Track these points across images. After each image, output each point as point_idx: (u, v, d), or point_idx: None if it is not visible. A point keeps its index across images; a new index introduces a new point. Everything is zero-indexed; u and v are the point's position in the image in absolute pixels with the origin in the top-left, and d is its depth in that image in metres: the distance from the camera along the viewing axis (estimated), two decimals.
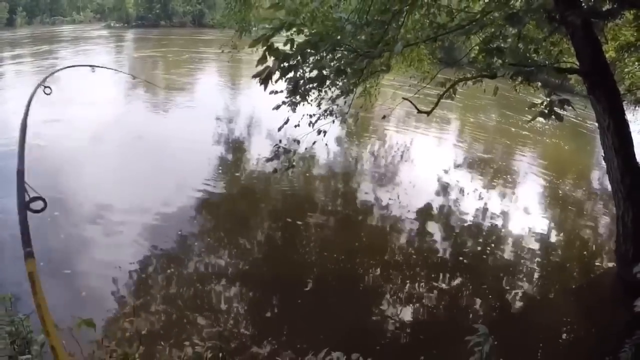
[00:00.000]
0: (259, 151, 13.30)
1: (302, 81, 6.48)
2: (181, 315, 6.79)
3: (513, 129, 18.91)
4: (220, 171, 12.34)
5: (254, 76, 4.97)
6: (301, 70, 6.38)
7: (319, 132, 8.40)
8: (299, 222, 9.74)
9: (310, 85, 7.05)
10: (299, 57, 5.52)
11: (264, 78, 4.81)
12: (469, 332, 4.35)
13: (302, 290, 7.68)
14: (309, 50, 5.59)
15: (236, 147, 14.30)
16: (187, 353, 5.23)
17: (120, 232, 8.99)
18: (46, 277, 7.42)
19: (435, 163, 13.70)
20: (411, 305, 7.56)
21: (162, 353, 5.62)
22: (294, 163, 8.80)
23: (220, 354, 5.73)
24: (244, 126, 16.49)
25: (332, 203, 10.94)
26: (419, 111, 8.45)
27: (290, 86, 6.68)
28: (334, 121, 8.98)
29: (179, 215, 9.70)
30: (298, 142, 8.36)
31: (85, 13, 60.08)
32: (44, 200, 1.54)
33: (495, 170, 13.78)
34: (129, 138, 13.97)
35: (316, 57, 6.03)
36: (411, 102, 8.22)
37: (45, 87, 4.96)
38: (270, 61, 4.99)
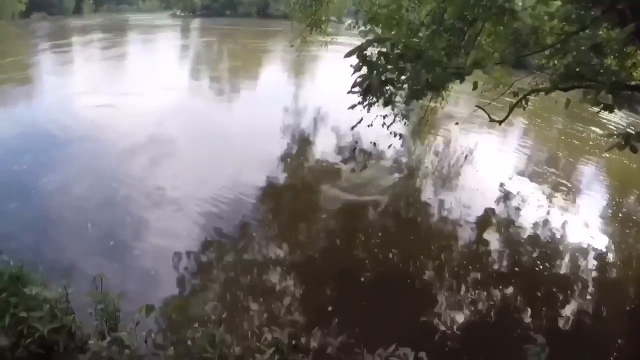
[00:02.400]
0: (323, 145, 13.52)
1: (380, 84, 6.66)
2: (251, 301, 7.12)
3: (577, 142, 18.53)
4: (284, 163, 12.61)
5: (352, 87, 5.18)
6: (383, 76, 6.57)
7: (395, 134, 8.53)
8: (360, 219, 9.91)
9: (387, 88, 7.22)
10: (396, 72, 5.67)
11: (365, 90, 5.02)
12: (521, 340, 4.45)
13: (363, 285, 7.90)
14: (401, 64, 5.76)
15: (302, 140, 14.54)
16: (266, 338, 5.49)
17: (187, 214, 9.53)
18: (114, 256, 7.95)
19: (497, 168, 13.61)
20: (467, 309, 7.69)
21: (242, 337, 5.90)
22: (368, 163, 8.98)
23: (294, 342, 6.02)
24: (309, 120, 16.70)
25: (394, 203, 11.07)
26: (491, 120, 8.47)
27: (364, 88, 6.87)
28: (405, 123, 9.10)
29: (244, 202, 10.12)
30: (374, 144, 8.55)
31: (151, 2, 61.58)
32: None
33: (556, 181, 13.58)
34: (195, 126, 14.42)
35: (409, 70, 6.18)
36: (484, 110, 8.26)
37: None
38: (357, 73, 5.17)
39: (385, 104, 7.49)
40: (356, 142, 8.87)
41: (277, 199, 10.77)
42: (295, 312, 6.98)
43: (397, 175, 12.37)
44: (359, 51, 5.07)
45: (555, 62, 8.32)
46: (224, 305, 6.67)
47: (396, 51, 5.77)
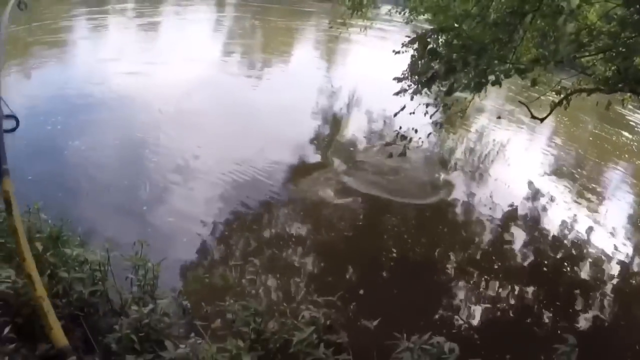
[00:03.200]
0: (357, 129, 13.30)
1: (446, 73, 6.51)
2: (286, 278, 7.00)
3: (607, 145, 17.98)
4: (315, 144, 12.43)
5: (411, 74, 5.01)
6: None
7: (436, 124, 8.44)
8: (389, 207, 9.72)
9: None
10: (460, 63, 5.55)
11: (429, 79, 4.88)
12: (550, 339, 4.31)
13: (392, 273, 7.77)
14: (464, 54, 5.63)
15: (335, 123, 14.32)
16: (304, 317, 5.35)
17: (219, 185, 9.47)
18: (148, 223, 7.92)
19: (527, 165, 13.32)
20: (496, 305, 7.56)
21: (280, 312, 5.76)
22: (408, 149, 8.81)
23: (329, 322, 5.86)
24: (344, 103, 16.47)
25: (422, 191, 10.85)
26: (533, 117, 8.30)
27: (429, 77, 6.72)
28: (445, 112, 8.91)
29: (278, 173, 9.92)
30: (416, 130, 8.45)
31: None
32: (17, 119, 1.47)
33: (585, 183, 13.20)
34: (223, 100, 14.26)
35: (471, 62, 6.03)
36: (527, 106, 8.11)
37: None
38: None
39: (447, 94, 7.29)
40: (399, 127, 8.66)
41: (307, 177, 10.58)
42: (328, 293, 6.79)
43: (431, 164, 12.13)
44: (420, 39, 4.90)
45: (599, 64, 8.01)
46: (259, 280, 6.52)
47: (458, 42, 5.64)
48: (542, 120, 8.50)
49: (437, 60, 6.26)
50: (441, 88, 8.22)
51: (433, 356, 4.35)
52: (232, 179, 9.83)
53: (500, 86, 6.81)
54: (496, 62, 6.35)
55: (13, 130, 1.30)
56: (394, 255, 8.35)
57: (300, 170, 10.86)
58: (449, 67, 5.96)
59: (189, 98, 13.93)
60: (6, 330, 3.98)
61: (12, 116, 1.27)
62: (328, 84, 17.53)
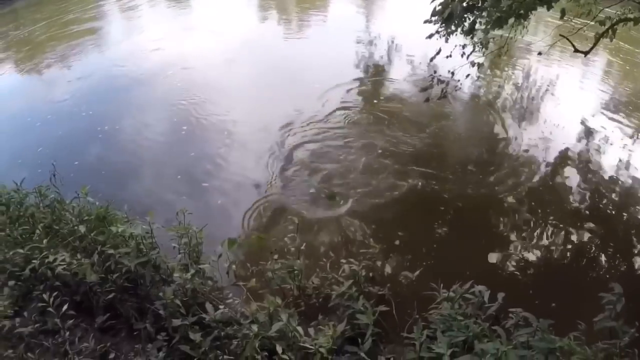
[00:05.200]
0: (398, 75, 13.06)
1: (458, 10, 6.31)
2: (325, 234, 7.17)
3: None
4: (356, 92, 12.29)
5: (432, 15, 4.89)
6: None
7: (473, 64, 8.16)
8: (433, 151, 9.58)
9: (466, 15, 6.84)
10: None
11: (446, 18, 4.74)
12: (596, 287, 4.19)
13: (435, 220, 7.70)
14: None
15: (375, 71, 14.08)
16: (344, 270, 5.52)
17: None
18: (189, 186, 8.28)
19: (578, 104, 12.59)
20: (541, 251, 7.29)
21: (321, 268, 5.95)
22: (446, 93, 8.61)
23: (371, 274, 6.02)
24: (382, 51, 16.12)
25: (468, 136, 10.59)
26: (576, 50, 7.88)
27: (445, 16, 6.52)
28: (484, 53, 8.63)
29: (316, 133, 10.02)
30: (453, 73, 8.21)
31: None
32: None
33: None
34: (265, 60, 14.25)
35: None
36: (569, 40, 7.69)
37: None
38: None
39: (467, 33, 7.07)
40: (434, 72, 8.45)
41: (352, 127, 10.53)
42: (370, 246, 6.93)
43: (473, 106, 11.81)
44: None
45: None
46: (301, 238, 6.66)
47: None
48: (585, 53, 8.07)
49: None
50: (463, 27, 8.00)
51: (474, 305, 4.51)
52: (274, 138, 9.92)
53: (525, 19, 6.53)
54: None
55: None
56: (443, 196, 8.23)
57: (346, 119, 10.77)
58: (468, 5, 5.72)
59: (231, 63, 13.91)
60: (64, 307, 4.37)
61: None
62: (366, 34, 17.16)
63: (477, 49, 8.48)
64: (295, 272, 5.24)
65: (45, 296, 4.34)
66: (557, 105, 12.10)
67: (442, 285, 4.85)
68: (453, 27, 7.50)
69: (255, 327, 3.96)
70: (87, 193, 5.78)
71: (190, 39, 16.07)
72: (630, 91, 13.57)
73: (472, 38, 8.37)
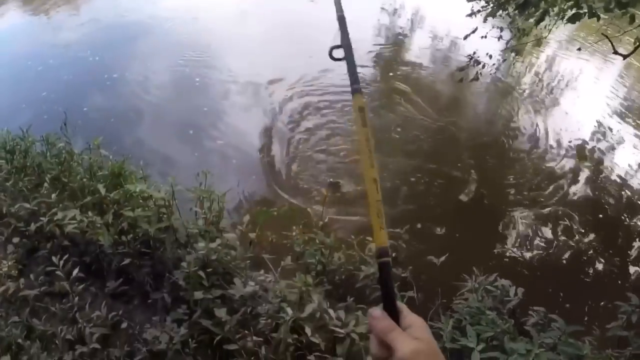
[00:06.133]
0: (418, 50, 12.53)
1: None
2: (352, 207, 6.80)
3: None
4: (378, 66, 11.77)
5: None
6: None
7: (512, 51, 7.81)
8: (452, 136, 9.15)
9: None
10: None
11: None
12: (612, 294, 4.22)
13: (461, 207, 7.40)
14: None
15: (397, 43, 13.48)
16: (370, 249, 5.17)
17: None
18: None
19: (597, 101, 12.03)
20: (558, 250, 7.01)
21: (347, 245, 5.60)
22: (480, 75, 8.19)
23: (394, 254, 5.67)
24: (407, 22, 15.42)
25: (489, 121, 10.14)
26: (615, 52, 7.42)
27: None
28: (520, 38, 8.18)
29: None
30: (490, 56, 7.83)
31: None
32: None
33: None
34: (280, 22, 13.61)
35: None
36: (609, 39, 7.24)
37: None
38: None
39: (523, 7, 6.57)
40: (474, 53, 8.00)
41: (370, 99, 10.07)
42: (394, 226, 6.57)
43: (498, 91, 11.29)
44: None
45: None
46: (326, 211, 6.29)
47: None
48: (624, 57, 7.60)
49: None
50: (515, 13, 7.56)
51: (496, 298, 4.27)
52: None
53: (599, 19, 6.03)
54: None
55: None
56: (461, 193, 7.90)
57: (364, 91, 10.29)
58: None
59: (244, 21, 13.27)
60: (75, 271, 3.98)
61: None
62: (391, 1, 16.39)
63: (518, 34, 8.08)
64: (324, 250, 4.86)
65: (54, 259, 3.93)
66: (580, 100, 11.56)
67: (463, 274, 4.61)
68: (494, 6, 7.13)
69: (289, 309, 3.58)
70: (99, 145, 5.33)
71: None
72: None
73: (511, 22, 8.01)
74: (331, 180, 7.32)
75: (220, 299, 3.88)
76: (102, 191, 4.27)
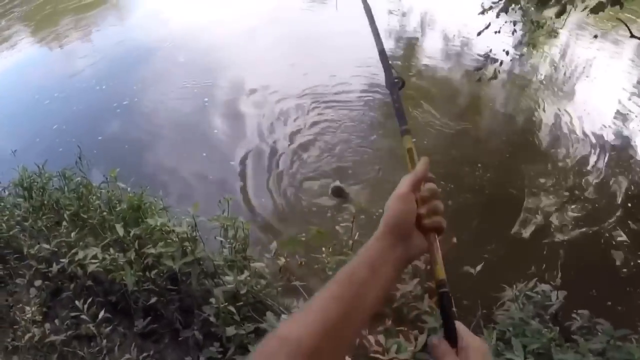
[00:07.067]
0: (435, 51, 12.33)
1: None
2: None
3: None
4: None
5: None
6: None
7: (528, 44, 7.63)
8: (471, 130, 8.92)
9: None
10: None
11: None
12: None
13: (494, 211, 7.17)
14: None
15: (408, 44, 13.29)
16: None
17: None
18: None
19: (616, 86, 11.72)
20: (584, 247, 6.74)
21: None
22: (498, 73, 7.99)
23: (429, 267, 5.45)
24: (417, 23, 15.24)
25: (510, 119, 9.89)
26: (632, 35, 7.27)
27: None
28: (535, 31, 8.01)
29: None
30: (507, 52, 7.65)
31: None
32: (402, 80, 1.40)
33: None
34: (291, 33, 13.51)
35: None
36: (625, 24, 7.10)
37: None
38: None
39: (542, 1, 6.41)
40: (490, 50, 7.83)
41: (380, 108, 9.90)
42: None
43: (520, 86, 11.04)
44: None
45: None
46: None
47: None
48: None
49: None
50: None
51: (537, 304, 4.10)
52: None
53: (622, 7, 5.83)
54: None
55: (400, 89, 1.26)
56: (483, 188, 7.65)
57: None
58: None
59: (253, 37, 13.19)
60: (101, 313, 3.83)
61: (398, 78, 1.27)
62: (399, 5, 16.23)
63: (532, 27, 7.93)
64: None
65: (78, 303, 3.78)
66: (600, 88, 11.27)
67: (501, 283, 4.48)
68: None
69: None
70: (116, 177, 5.20)
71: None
72: None
73: (523, 16, 7.87)
74: (334, 185, 7.03)
75: (253, 333, 3.70)
76: (121, 232, 4.10)
